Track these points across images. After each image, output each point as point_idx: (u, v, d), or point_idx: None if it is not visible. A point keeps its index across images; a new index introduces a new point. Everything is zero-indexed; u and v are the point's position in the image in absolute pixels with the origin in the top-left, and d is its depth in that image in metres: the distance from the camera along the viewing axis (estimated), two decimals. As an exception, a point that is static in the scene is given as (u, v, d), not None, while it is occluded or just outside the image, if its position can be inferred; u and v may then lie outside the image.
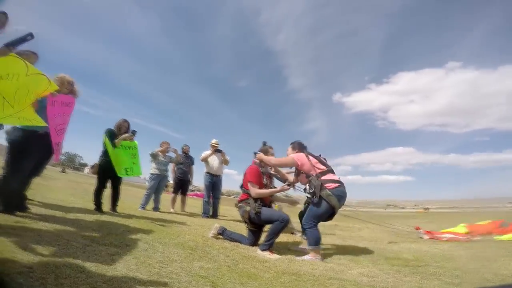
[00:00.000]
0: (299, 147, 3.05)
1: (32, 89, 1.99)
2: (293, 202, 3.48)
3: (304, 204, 3.07)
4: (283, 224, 2.66)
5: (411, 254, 3.14)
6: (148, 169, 5.62)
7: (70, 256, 1.57)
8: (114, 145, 3.66)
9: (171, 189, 7.37)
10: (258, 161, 3.08)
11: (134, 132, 3.95)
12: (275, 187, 3.21)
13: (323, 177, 2.72)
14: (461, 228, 5.66)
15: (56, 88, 2.26)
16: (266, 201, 3.00)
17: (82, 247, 1.78)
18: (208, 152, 5.63)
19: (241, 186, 3.07)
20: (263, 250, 2.58)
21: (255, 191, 2.86)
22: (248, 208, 2.82)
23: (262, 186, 2.96)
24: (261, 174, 3.02)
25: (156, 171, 5.48)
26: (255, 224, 2.90)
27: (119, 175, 3.74)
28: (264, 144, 3.25)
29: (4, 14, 1.81)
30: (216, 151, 5.63)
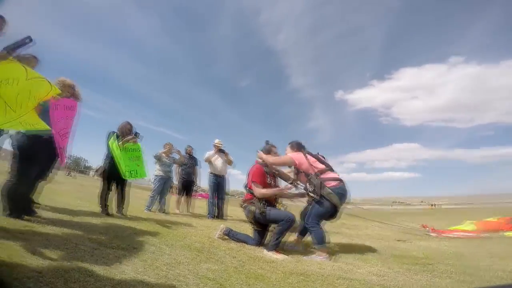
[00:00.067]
0: (298, 146, 3.06)
1: (33, 93, 1.96)
2: (302, 195, 3.44)
3: (307, 203, 3.07)
4: (289, 224, 2.64)
5: (420, 252, 3.10)
6: (152, 170, 5.66)
7: (78, 259, 1.58)
8: (118, 148, 3.68)
9: (175, 191, 7.39)
10: (261, 160, 3.07)
11: (137, 135, 3.97)
12: (279, 187, 3.19)
13: (323, 176, 2.72)
14: (469, 225, 5.59)
15: (58, 92, 2.23)
16: (271, 201, 2.98)
17: (90, 251, 1.79)
18: (211, 152, 5.63)
19: (245, 186, 3.06)
20: (269, 250, 2.56)
21: (259, 191, 2.84)
22: (253, 209, 2.81)
23: (266, 185, 2.94)
24: (265, 174, 3.00)
25: (161, 173, 5.51)
26: (261, 224, 2.89)
27: (124, 177, 3.76)
28: (267, 143, 3.23)
29: (1, 18, 1.79)
30: (219, 151, 5.63)
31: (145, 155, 4.08)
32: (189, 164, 6.02)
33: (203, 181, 6.23)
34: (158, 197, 5.46)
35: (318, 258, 2.50)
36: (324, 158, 3.00)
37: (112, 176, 3.85)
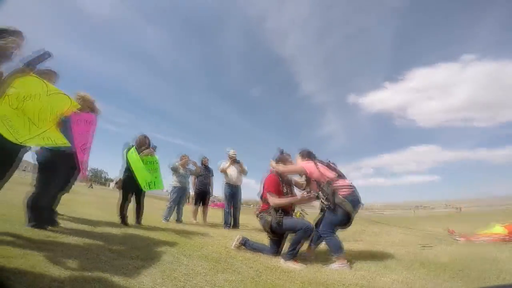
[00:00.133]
0: (308, 155, 3.03)
1: (54, 109, 2.02)
2: (313, 199, 3.34)
3: (320, 212, 3.02)
4: (308, 233, 2.59)
5: (448, 257, 2.91)
6: (169, 181, 5.78)
7: (99, 270, 1.60)
8: (140, 160, 3.79)
9: (192, 200, 7.47)
10: (274, 169, 3.04)
11: (154, 148, 4.18)
12: (295, 195, 3.13)
13: (334, 184, 2.69)
14: (498, 229, 5.22)
15: (78, 107, 2.29)
16: (287, 210, 2.92)
17: (109, 261, 1.81)
18: (226, 163, 5.67)
19: (261, 197, 3.03)
20: (287, 260, 2.50)
21: (274, 201, 2.81)
22: (269, 218, 2.77)
23: (281, 195, 2.90)
24: (280, 183, 2.96)
25: (178, 184, 5.62)
26: (277, 234, 2.83)
27: (142, 189, 3.85)
28: (282, 152, 3.20)
29: (20, 34, 1.86)
30: (234, 161, 5.67)
31: (161, 166, 4.21)
32: (205, 175, 6.10)
33: (215, 190, 6.32)
34: (176, 207, 5.57)
35: (337, 266, 2.42)
36: (335, 165, 2.97)
37: (130, 188, 3.96)
